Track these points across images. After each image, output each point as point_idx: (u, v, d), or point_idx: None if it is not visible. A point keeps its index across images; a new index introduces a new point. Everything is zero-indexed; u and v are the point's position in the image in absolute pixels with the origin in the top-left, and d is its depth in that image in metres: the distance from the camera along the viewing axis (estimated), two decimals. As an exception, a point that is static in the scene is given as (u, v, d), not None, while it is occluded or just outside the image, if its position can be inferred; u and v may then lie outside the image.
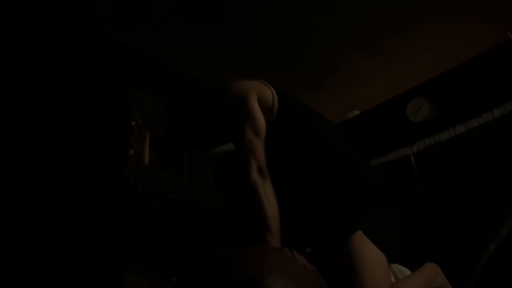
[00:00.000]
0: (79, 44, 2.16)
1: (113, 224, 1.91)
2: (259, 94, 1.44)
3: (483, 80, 2.73)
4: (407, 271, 1.62)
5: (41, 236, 1.68)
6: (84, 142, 1.98)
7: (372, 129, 3.13)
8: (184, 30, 2.35)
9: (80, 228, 1.80)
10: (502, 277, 2.09)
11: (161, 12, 2.22)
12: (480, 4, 2.35)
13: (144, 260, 1.91)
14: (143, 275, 1.06)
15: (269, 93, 1.47)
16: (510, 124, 2.51)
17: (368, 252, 1.26)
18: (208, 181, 2.36)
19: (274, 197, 1.29)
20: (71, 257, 1.72)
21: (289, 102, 1.50)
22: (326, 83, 2.92)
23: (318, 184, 1.42)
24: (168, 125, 1.61)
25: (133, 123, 2.15)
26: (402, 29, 2.49)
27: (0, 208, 1.62)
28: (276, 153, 1.41)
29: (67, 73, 2.05)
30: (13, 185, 1.69)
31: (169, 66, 2.53)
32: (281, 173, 1.41)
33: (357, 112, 3.26)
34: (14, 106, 1.81)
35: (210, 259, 1.13)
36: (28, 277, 1.58)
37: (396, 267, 1.60)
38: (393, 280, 1.47)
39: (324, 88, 2.96)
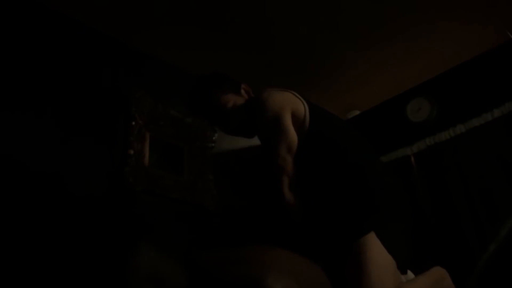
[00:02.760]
0: (79, 44, 2.16)
1: (113, 224, 1.91)
2: (293, 108, 1.52)
3: (483, 80, 2.72)
4: (410, 274, 1.61)
5: (41, 236, 1.68)
6: (84, 142, 1.98)
7: (372, 129, 3.13)
8: (185, 30, 2.35)
9: (80, 228, 1.80)
10: (502, 277, 2.09)
11: (161, 12, 2.22)
12: (480, 4, 2.35)
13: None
14: (154, 251, 1.06)
15: (302, 107, 1.54)
16: (510, 124, 2.51)
17: (379, 254, 1.29)
18: (208, 181, 2.36)
19: (302, 206, 1.45)
20: (71, 257, 1.72)
21: (317, 113, 1.57)
22: (326, 83, 2.92)
23: (338, 187, 1.48)
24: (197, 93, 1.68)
25: (133, 123, 2.15)
26: (402, 29, 2.49)
27: (0, 208, 1.62)
28: (302, 159, 1.50)
29: (67, 73, 2.05)
30: (13, 185, 1.69)
31: (169, 66, 2.53)
32: (303, 176, 1.49)
33: (357, 112, 3.26)
34: (14, 106, 1.81)
35: (211, 258, 1.13)
36: (28, 278, 1.58)
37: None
38: None
39: (324, 88, 2.96)
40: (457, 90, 2.84)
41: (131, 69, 2.34)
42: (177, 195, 2.18)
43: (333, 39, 2.53)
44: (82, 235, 1.79)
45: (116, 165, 2.03)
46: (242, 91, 1.69)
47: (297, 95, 1.59)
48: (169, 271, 1.07)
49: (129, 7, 2.16)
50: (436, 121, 2.86)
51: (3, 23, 1.90)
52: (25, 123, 1.81)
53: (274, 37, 2.48)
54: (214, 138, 2.49)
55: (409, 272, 1.62)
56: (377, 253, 1.29)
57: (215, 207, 2.32)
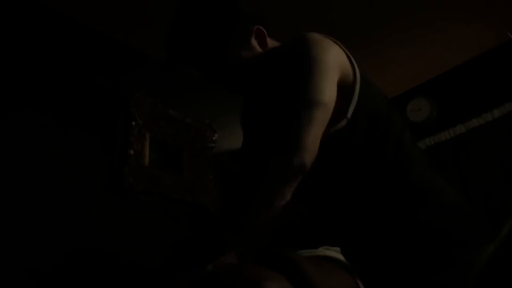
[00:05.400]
0: (79, 44, 2.16)
1: (112, 224, 1.91)
2: (342, 73, 1.06)
3: (483, 80, 2.72)
4: None
5: (41, 236, 1.68)
6: (84, 142, 1.98)
7: (372, 129, 3.13)
8: (184, 30, 2.35)
9: (80, 228, 1.80)
10: (502, 278, 2.08)
11: (162, 12, 2.22)
12: (480, 4, 2.35)
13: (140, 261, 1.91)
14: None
15: (351, 74, 1.09)
16: (510, 124, 2.51)
17: None
18: (208, 181, 2.36)
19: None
20: (70, 257, 1.72)
21: (369, 91, 1.10)
22: (326, 83, 2.91)
23: (385, 211, 1.03)
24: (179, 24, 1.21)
25: (133, 123, 2.15)
26: (402, 30, 2.49)
27: (0, 209, 1.62)
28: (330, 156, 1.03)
29: (66, 73, 2.05)
30: (12, 185, 1.69)
31: (169, 66, 2.53)
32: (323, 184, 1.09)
33: (357, 112, 3.25)
34: (13, 106, 1.81)
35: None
36: (28, 277, 1.58)
37: None
38: None
39: (324, 88, 2.95)
40: (457, 90, 2.84)
41: (131, 69, 2.34)
42: (177, 195, 2.18)
43: (333, 39, 2.52)
44: (82, 235, 1.80)
45: (116, 165, 2.03)
46: (253, 41, 1.18)
47: (347, 51, 1.16)
48: None
49: (129, 7, 2.16)
50: (436, 121, 2.87)
51: (2, 23, 1.90)
52: (25, 123, 1.81)
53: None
54: (214, 138, 2.49)
55: None
56: None
57: (215, 207, 2.32)
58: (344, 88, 1.04)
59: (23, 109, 1.83)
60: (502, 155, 2.49)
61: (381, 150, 1.03)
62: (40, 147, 1.82)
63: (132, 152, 2.08)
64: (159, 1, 2.15)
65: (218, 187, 2.38)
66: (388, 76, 2.92)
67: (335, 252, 1.34)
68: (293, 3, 2.24)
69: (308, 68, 1.01)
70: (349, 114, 1.03)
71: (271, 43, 1.22)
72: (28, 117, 1.83)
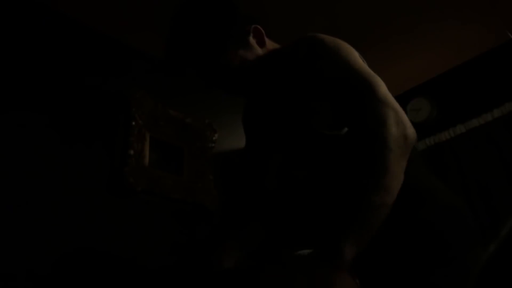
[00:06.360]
0: (79, 44, 2.16)
1: (112, 224, 1.91)
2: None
3: (483, 80, 2.73)
4: None
5: (41, 236, 1.68)
6: (84, 142, 1.98)
7: (372, 129, 3.12)
8: (184, 30, 2.35)
9: (80, 228, 1.80)
10: (503, 278, 2.09)
11: (162, 12, 2.22)
12: (480, 4, 2.35)
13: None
14: None
15: None
16: (510, 124, 2.51)
17: None
18: (208, 181, 2.36)
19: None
20: (70, 257, 1.72)
21: None
22: (326, 83, 2.92)
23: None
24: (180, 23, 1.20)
25: (133, 123, 2.15)
26: (402, 29, 2.49)
27: (0, 209, 1.62)
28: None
29: (67, 73, 2.05)
30: (12, 185, 1.69)
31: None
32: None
33: (357, 112, 3.25)
34: (13, 106, 1.81)
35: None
36: (28, 277, 1.58)
37: None
38: None
39: (324, 88, 2.95)
40: (457, 90, 2.84)
41: (131, 70, 2.34)
42: (177, 195, 2.18)
43: (333, 39, 2.53)
44: (81, 235, 1.80)
45: (116, 165, 2.03)
46: (251, 40, 1.17)
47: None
48: None
49: (129, 7, 2.16)
50: (436, 121, 2.87)
51: (1, 23, 1.90)
52: (25, 123, 1.81)
53: (273, 39, 2.47)
54: (214, 138, 2.49)
55: None
56: None
57: (215, 207, 2.32)
58: None
59: (23, 110, 1.83)
60: (502, 155, 2.49)
61: None
62: (40, 148, 1.82)
63: (132, 152, 2.08)
64: (159, 2, 2.15)
65: (218, 187, 2.38)
66: (388, 76, 2.91)
67: None
68: (292, 3, 2.24)
69: (342, 52, 1.13)
70: None
71: (269, 43, 1.23)
72: (28, 117, 1.83)
